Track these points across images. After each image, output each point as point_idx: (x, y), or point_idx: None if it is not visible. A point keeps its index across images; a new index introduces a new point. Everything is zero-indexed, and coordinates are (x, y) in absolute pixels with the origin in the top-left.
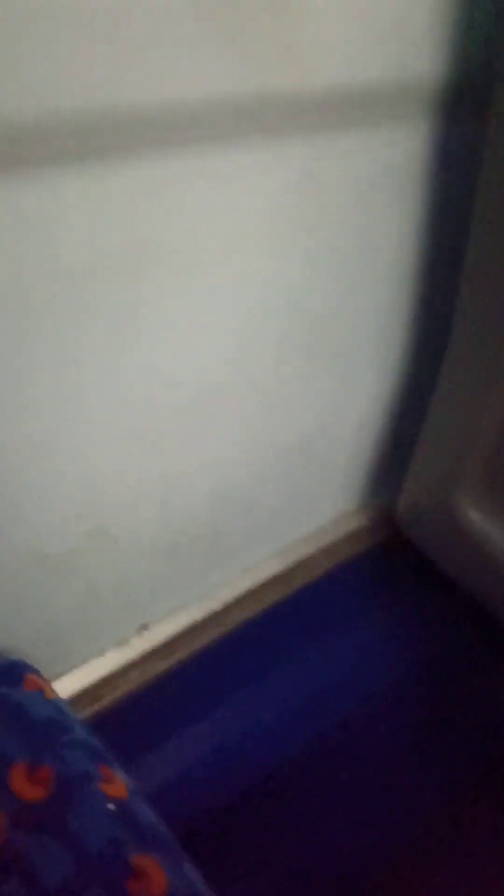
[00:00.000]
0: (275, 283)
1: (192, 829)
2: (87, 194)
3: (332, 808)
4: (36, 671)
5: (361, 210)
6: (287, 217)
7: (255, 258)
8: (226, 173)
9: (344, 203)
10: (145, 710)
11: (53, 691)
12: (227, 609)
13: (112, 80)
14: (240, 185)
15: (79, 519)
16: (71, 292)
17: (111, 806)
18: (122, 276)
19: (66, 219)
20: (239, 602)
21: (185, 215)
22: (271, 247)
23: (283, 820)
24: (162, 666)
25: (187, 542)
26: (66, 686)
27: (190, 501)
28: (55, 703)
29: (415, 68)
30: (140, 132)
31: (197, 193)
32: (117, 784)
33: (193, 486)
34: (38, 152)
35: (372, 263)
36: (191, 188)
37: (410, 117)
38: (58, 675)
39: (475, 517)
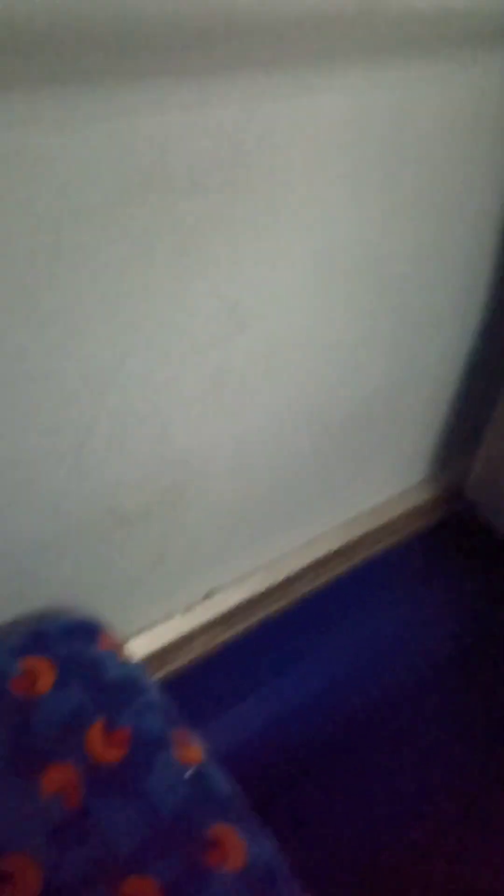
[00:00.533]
0: (359, 221)
1: (255, 794)
2: (190, 107)
3: (390, 770)
4: (109, 630)
5: (452, 146)
6: (376, 147)
7: (342, 191)
8: (320, 93)
9: (436, 134)
10: (209, 678)
11: (127, 651)
12: (291, 580)
13: None
14: (333, 106)
15: (154, 476)
16: (169, 210)
17: (188, 772)
18: (218, 196)
19: (171, 129)
20: (302, 574)
21: (274, 134)
22: (358, 180)
23: (343, 782)
24: (226, 634)
25: (256, 507)
26: (132, 649)
27: (261, 464)
28: (130, 663)
29: None
30: (242, 44)
31: (291, 113)
32: (193, 749)
33: (266, 448)
34: (147, 59)
35: (461, 207)
36: (287, 106)
37: None
38: (126, 638)
39: None
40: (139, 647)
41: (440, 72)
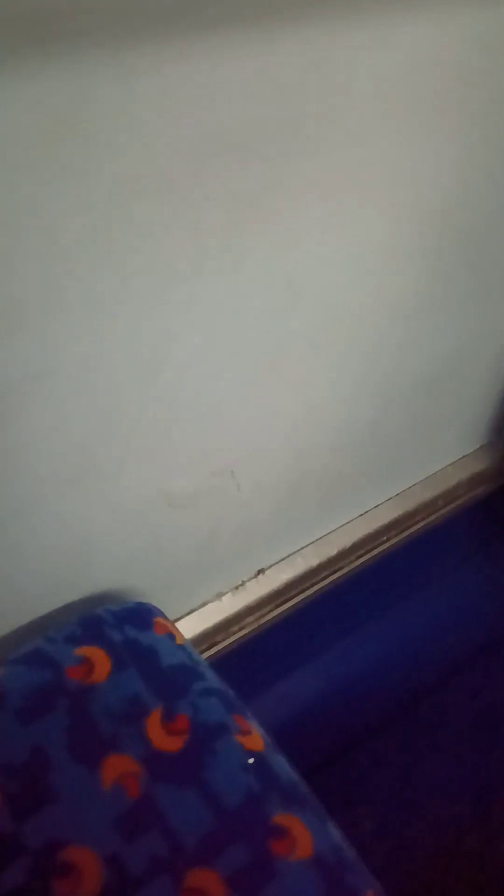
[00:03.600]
0: (428, 178)
1: (304, 768)
2: (249, 63)
3: (433, 748)
4: (163, 614)
5: None
6: (449, 97)
7: (410, 147)
8: (385, 40)
9: None
10: (258, 656)
11: (182, 635)
12: (343, 555)
13: None
14: (398, 55)
15: (205, 458)
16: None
17: (250, 760)
18: (273, 161)
19: (231, 88)
20: (355, 548)
21: (338, 87)
22: (428, 132)
23: (392, 757)
24: (277, 612)
25: (309, 484)
26: (181, 629)
27: (317, 440)
28: (186, 648)
29: None
30: None
31: (356, 62)
32: (254, 736)
33: (322, 424)
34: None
35: None
36: (353, 57)
37: None
38: (175, 619)
39: None
40: (189, 627)
41: None
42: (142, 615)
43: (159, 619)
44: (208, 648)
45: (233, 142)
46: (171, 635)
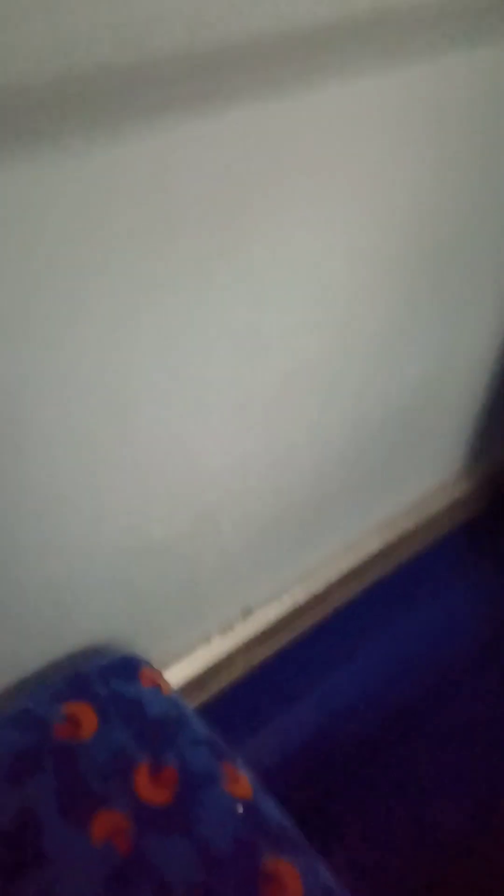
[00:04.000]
0: (392, 217)
1: (300, 806)
2: (201, 132)
3: (429, 775)
4: (149, 664)
5: (489, 127)
6: (407, 142)
7: (371, 188)
8: (344, 101)
9: (471, 120)
10: (251, 696)
11: (169, 685)
12: (330, 589)
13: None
14: (358, 110)
15: (184, 504)
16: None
17: (239, 807)
18: (230, 219)
19: (179, 157)
20: (341, 582)
21: (302, 141)
22: (390, 185)
23: (386, 789)
24: (268, 650)
25: (290, 520)
26: (172, 676)
27: (295, 477)
28: (173, 698)
29: None
30: (253, 64)
31: (315, 121)
32: (243, 783)
33: (299, 461)
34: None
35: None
36: (308, 116)
37: None
38: (165, 665)
39: None
40: (179, 672)
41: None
42: (128, 668)
43: (146, 671)
44: (199, 693)
45: (186, 210)
46: (158, 686)
